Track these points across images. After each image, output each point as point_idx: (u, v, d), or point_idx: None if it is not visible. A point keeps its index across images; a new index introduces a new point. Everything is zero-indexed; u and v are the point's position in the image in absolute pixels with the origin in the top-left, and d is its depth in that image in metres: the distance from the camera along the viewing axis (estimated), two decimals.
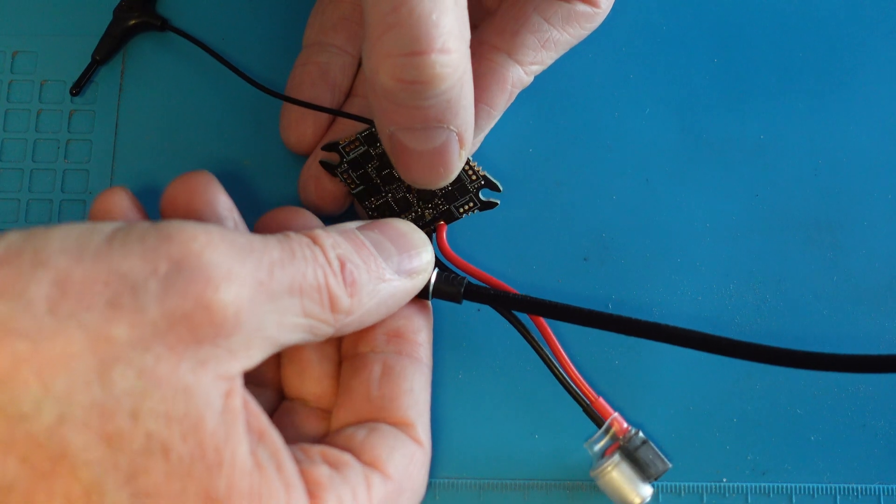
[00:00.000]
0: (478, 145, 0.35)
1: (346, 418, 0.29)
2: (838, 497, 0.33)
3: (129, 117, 0.37)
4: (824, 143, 0.37)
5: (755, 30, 0.38)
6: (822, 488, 0.33)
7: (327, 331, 0.27)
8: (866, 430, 0.34)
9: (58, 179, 0.36)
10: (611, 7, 0.34)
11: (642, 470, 0.31)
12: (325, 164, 0.33)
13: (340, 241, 0.27)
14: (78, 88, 0.37)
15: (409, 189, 0.32)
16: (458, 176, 0.31)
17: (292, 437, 0.27)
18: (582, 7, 0.33)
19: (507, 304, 0.31)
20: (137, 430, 0.22)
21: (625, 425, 0.31)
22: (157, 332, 0.23)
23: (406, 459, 0.28)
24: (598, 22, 0.34)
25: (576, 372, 0.32)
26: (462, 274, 0.32)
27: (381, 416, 0.29)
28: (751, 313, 0.35)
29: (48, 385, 0.22)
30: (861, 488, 0.33)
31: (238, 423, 0.24)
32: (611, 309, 0.35)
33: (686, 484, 0.33)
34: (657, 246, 0.36)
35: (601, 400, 0.31)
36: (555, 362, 0.32)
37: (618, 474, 0.31)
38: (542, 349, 0.32)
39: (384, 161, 0.32)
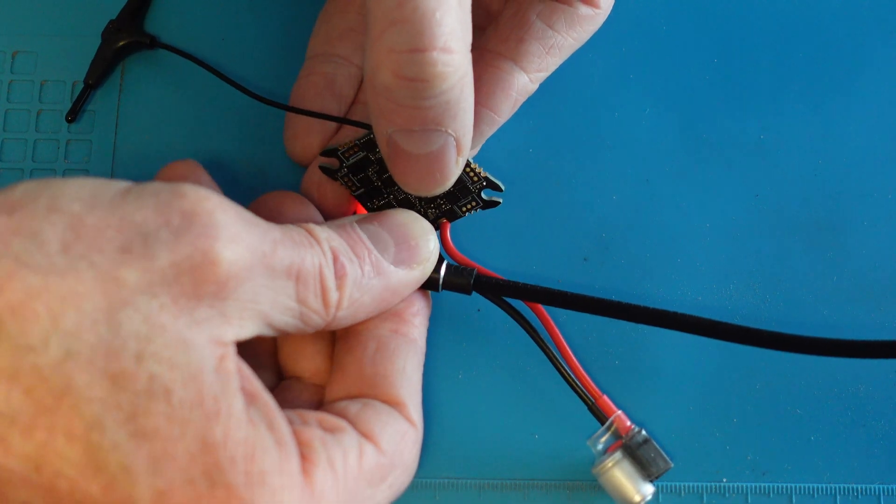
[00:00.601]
0: (477, 150, 0.35)
1: (339, 394, 0.30)
2: (838, 497, 0.33)
3: (129, 117, 0.37)
4: (824, 143, 0.37)
5: (755, 30, 0.38)
6: (822, 488, 0.33)
7: (318, 322, 0.27)
8: (866, 430, 0.34)
9: None
10: (611, 7, 0.34)
11: (644, 468, 0.31)
12: (325, 169, 0.33)
13: (334, 235, 0.28)
14: (73, 115, 0.37)
15: None
16: (460, 178, 0.30)
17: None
18: (584, 9, 0.33)
19: (517, 293, 0.31)
20: (141, 371, 0.23)
21: (628, 423, 0.31)
22: (164, 280, 0.23)
23: (398, 436, 0.28)
24: (599, 23, 0.34)
25: (581, 369, 0.32)
26: None
27: (373, 394, 0.29)
28: (751, 313, 0.35)
29: (57, 320, 0.22)
30: (861, 488, 0.33)
31: (232, 381, 0.24)
32: None
33: (686, 484, 0.33)
34: (657, 246, 0.36)
35: (605, 397, 0.31)
36: (560, 360, 0.32)
37: (619, 472, 0.31)
38: (547, 347, 0.32)
39: (384, 165, 0.32)
